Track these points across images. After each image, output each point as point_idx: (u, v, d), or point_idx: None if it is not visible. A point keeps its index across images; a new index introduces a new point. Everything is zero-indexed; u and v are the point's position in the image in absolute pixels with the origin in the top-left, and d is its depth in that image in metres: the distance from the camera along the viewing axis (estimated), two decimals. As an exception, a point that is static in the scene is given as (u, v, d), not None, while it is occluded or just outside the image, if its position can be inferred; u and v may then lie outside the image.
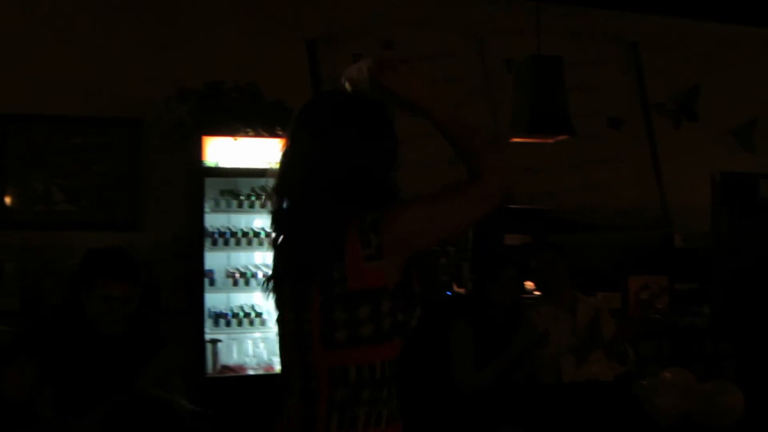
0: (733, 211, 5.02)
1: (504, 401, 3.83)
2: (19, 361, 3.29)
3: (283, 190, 1.85)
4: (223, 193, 5.55)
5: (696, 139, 7.53)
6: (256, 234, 5.57)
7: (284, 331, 1.87)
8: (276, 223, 1.90)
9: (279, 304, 1.90)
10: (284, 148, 1.88)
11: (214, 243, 5.44)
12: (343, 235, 1.71)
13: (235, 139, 5.46)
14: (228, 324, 5.50)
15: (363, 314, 1.71)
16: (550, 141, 5.08)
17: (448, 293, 4.34)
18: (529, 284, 4.70)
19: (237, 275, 5.53)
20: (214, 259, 5.51)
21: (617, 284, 5.01)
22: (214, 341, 5.42)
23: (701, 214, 5.46)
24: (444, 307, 4.19)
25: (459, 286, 4.41)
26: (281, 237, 1.89)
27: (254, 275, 5.56)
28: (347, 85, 1.90)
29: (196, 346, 5.30)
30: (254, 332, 5.61)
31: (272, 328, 5.52)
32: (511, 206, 5.44)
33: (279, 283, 1.89)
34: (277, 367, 5.38)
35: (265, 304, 5.56)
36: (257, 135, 5.49)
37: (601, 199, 7.15)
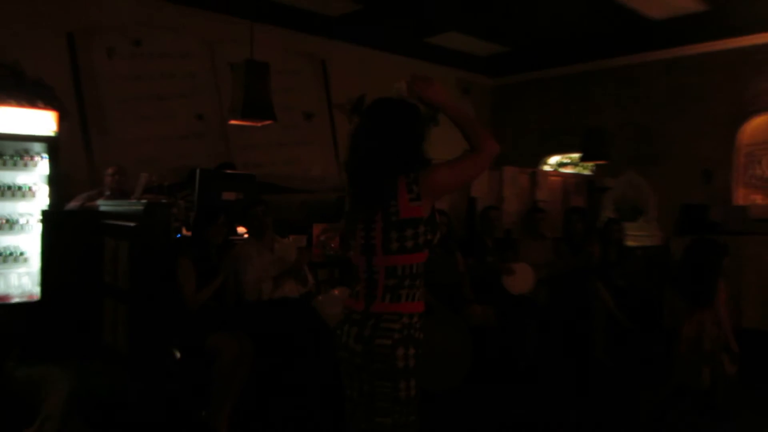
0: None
1: (219, 314, 3.77)
2: None
3: (359, 158, 2.18)
4: (-11, 153, 4.94)
5: (363, 131, 7.88)
6: (20, 188, 5.01)
7: (357, 244, 2.20)
8: (352, 177, 2.21)
9: (351, 229, 2.22)
10: (356, 131, 2.23)
11: (-19, 195, 4.84)
12: (396, 185, 2.08)
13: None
14: (-5, 261, 4.95)
15: (408, 234, 2.10)
16: (258, 125, 5.05)
17: (178, 235, 4.14)
18: (241, 229, 4.62)
19: (3, 221, 4.96)
20: (-18, 208, 4.91)
21: (305, 229, 5.09)
22: (-18, 275, 4.86)
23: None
24: (175, 246, 4.00)
25: (187, 230, 4.22)
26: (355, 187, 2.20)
27: (17, 221, 5.00)
28: (394, 93, 2.22)
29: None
30: (19, 268, 5.07)
31: (34, 266, 5.03)
32: (228, 171, 5.33)
33: (352, 215, 2.20)
34: (38, 296, 4.95)
35: (28, 246, 5.08)
36: (20, 106, 4.91)
37: (297, 170, 7.26)
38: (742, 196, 7.20)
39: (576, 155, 9.80)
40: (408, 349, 2.08)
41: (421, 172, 2.10)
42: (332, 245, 5.15)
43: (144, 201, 4.10)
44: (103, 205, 4.68)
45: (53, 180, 5.07)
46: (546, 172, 6.93)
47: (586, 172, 9.55)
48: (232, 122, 5.06)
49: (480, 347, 4.52)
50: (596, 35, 7.35)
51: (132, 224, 4.08)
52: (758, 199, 7.12)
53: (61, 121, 5.16)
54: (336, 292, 4.49)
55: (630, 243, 6.29)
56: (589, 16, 6.68)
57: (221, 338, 3.56)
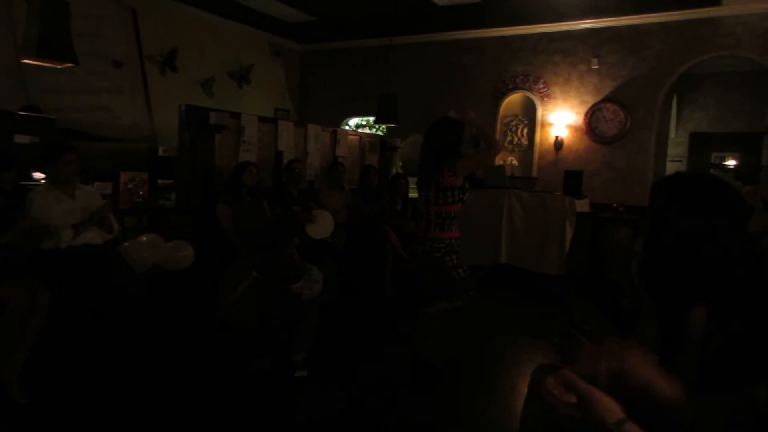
0: (192, 133, 4.76)
1: (9, 262, 3.10)
2: None
3: (426, 151, 3.33)
4: None
5: (175, 83, 7.11)
6: None
7: (422, 199, 3.31)
8: (422, 161, 3.36)
9: (420, 191, 3.35)
10: (427, 135, 3.34)
11: None
12: (442, 168, 3.20)
13: None
14: None
15: (449, 194, 3.21)
16: (57, 66, 4.16)
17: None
18: (39, 174, 3.86)
19: None
20: None
21: (112, 178, 4.43)
22: None
23: (174, 133, 5.11)
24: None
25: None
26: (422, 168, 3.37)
27: None
28: (452, 115, 3.38)
29: None
30: None
31: None
32: (21, 113, 4.41)
33: (420, 184, 3.36)
34: None
35: None
36: None
37: (106, 118, 6.34)
38: (500, 158, 7.75)
39: (371, 118, 9.90)
40: (451, 255, 3.25)
41: (457, 160, 3.17)
42: (141, 192, 4.56)
43: None
44: None
45: None
46: (346, 131, 6.81)
47: (380, 133, 9.68)
48: (26, 61, 4.10)
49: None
50: (393, 14, 7.30)
51: None
52: (513, 160, 7.72)
53: None
54: (144, 238, 3.97)
55: (414, 195, 6.46)
56: (387, -4, 6.60)
57: (8, 287, 2.91)
